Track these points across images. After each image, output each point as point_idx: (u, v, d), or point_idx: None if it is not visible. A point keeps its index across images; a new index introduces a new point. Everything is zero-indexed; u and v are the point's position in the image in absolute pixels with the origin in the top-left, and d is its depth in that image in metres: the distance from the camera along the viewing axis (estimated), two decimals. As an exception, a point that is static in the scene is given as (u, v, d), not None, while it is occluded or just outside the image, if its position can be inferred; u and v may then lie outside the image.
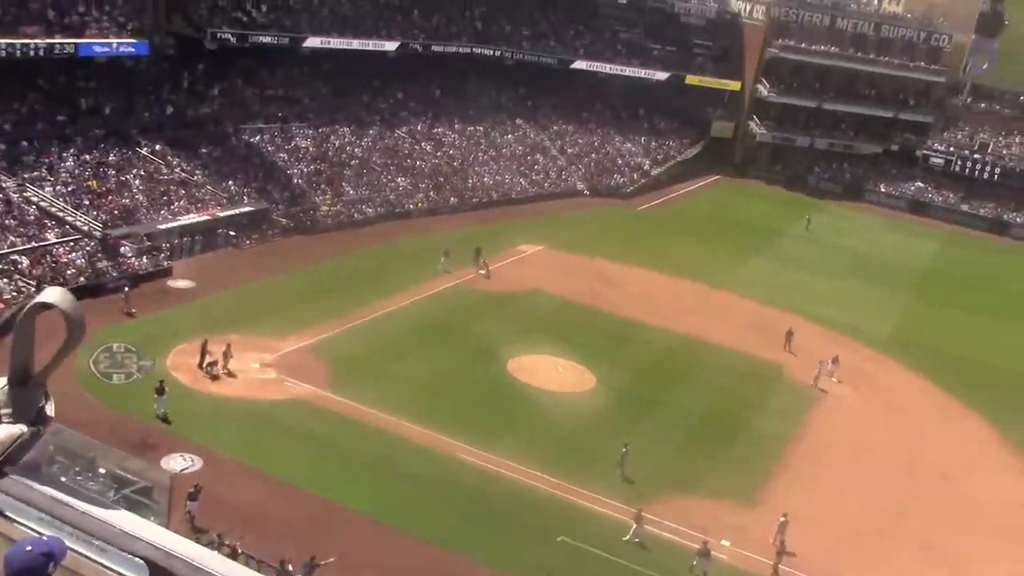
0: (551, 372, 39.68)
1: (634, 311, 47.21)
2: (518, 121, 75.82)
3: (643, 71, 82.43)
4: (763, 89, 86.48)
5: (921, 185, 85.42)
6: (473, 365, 39.21)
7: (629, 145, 79.85)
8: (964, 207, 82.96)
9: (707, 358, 43.84)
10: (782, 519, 29.44)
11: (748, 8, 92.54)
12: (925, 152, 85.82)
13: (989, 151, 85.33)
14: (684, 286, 53.01)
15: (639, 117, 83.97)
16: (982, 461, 38.30)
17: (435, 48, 71.51)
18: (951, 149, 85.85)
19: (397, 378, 36.65)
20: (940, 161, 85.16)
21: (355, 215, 56.81)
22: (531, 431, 34.49)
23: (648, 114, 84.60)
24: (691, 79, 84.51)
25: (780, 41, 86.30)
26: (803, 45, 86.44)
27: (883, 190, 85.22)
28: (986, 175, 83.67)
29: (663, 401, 39.06)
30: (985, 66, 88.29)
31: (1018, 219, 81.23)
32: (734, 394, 40.71)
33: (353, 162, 61.28)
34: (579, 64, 79.55)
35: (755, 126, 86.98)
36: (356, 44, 65.79)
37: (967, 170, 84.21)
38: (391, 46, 68.27)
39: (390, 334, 40.80)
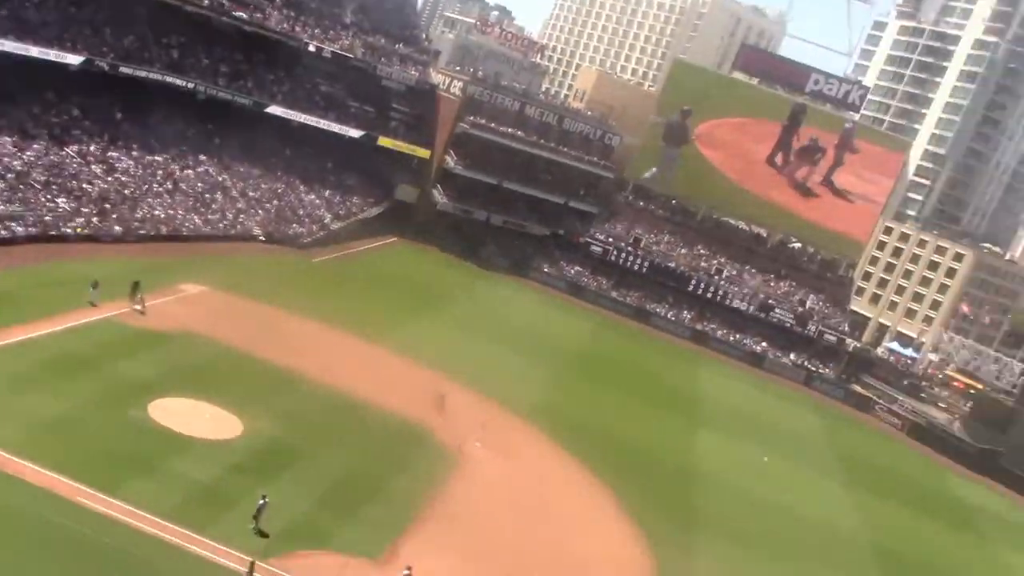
0: (197, 418, 38.45)
1: (295, 362, 46.98)
2: (201, 157, 73.55)
3: (337, 126, 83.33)
4: (450, 161, 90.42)
5: (580, 269, 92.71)
6: (111, 406, 37.03)
7: (313, 197, 79.98)
8: (614, 294, 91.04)
9: (360, 415, 44.43)
10: (405, 572, 30.49)
11: (446, 82, 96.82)
12: (587, 239, 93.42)
13: (641, 246, 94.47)
14: (349, 341, 53.65)
15: (327, 171, 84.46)
16: (598, 527, 41.93)
17: (123, 70, 67.97)
18: (610, 239, 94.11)
19: (19, 413, 33.90)
20: (599, 249, 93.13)
21: (1, 231, 52.24)
22: (166, 478, 33.15)
23: (336, 169, 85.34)
24: (384, 141, 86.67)
25: (472, 118, 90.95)
26: (492, 125, 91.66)
27: (546, 270, 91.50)
28: (636, 267, 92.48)
29: (310, 455, 39.02)
30: (654, 171, 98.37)
31: (658, 310, 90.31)
32: (381, 452, 41.56)
33: (9, 175, 56.40)
34: (274, 109, 78.95)
35: (438, 195, 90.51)
36: (35, 52, 61.14)
37: (621, 260, 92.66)
38: (74, 60, 64.07)
39: (18, 364, 37.65)
